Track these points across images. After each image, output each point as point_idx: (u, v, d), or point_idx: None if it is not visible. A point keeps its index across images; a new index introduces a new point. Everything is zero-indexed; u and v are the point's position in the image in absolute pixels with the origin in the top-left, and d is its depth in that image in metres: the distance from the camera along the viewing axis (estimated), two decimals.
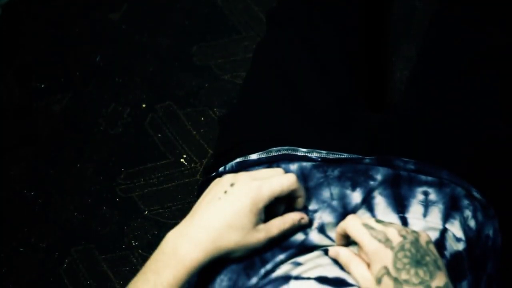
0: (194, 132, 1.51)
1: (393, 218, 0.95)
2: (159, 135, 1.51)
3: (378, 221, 0.87)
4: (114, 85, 1.59)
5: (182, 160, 1.48)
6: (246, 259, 0.94)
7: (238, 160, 1.07)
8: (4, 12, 1.72)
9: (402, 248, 0.83)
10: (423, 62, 1.21)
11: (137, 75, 1.60)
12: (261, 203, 0.92)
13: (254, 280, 0.93)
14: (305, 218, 0.97)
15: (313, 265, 0.91)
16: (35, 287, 1.35)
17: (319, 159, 1.02)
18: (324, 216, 0.97)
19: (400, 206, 0.97)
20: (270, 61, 1.20)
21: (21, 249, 1.40)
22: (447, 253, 0.93)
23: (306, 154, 1.03)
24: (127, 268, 1.36)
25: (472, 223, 0.98)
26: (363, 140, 1.06)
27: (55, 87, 1.61)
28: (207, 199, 0.94)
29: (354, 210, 0.98)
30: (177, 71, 1.59)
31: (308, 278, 0.89)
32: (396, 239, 0.84)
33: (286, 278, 0.90)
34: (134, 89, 1.58)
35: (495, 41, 1.13)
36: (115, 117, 1.55)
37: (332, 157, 1.02)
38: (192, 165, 1.47)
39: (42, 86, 1.61)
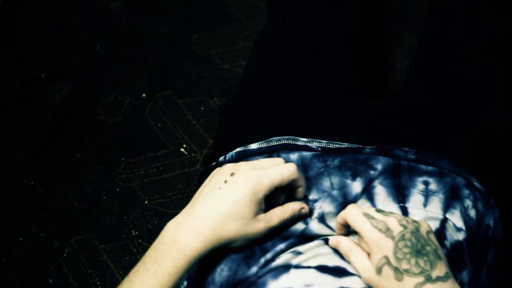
0: (194, 122, 1.50)
1: (394, 207, 0.95)
2: (159, 124, 1.51)
3: (379, 210, 0.87)
4: (114, 74, 1.59)
5: (182, 149, 1.48)
6: (246, 249, 0.94)
7: (238, 149, 1.06)
8: (4, 1, 1.72)
9: (402, 237, 0.83)
10: (423, 51, 1.20)
11: (137, 64, 1.60)
12: (261, 193, 0.92)
13: (254, 269, 0.93)
14: (305, 208, 0.96)
15: (313, 254, 0.91)
16: (34, 276, 1.35)
17: (320, 149, 1.02)
18: (324, 206, 0.97)
19: (400, 196, 0.97)
20: (270, 51, 1.19)
21: (20, 239, 1.40)
22: (447, 243, 0.93)
23: (307, 144, 1.02)
24: (127, 258, 1.36)
25: (472, 213, 0.98)
26: (363, 129, 1.06)
27: (55, 76, 1.61)
28: (207, 189, 0.94)
29: (354, 200, 0.97)
30: (177, 60, 1.59)
31: (308, 267, 0.89)
32: (396, 228, 0.84)
33: (286, 267, 0.90)
34: (134, 78, 1.58)
35: (495, 29, 1.12)
36: (115, 106, 1.55)
37: (332, 146, 1.02)
38: (192, 154, 1.47)
39: (42, 75, 1.61)
